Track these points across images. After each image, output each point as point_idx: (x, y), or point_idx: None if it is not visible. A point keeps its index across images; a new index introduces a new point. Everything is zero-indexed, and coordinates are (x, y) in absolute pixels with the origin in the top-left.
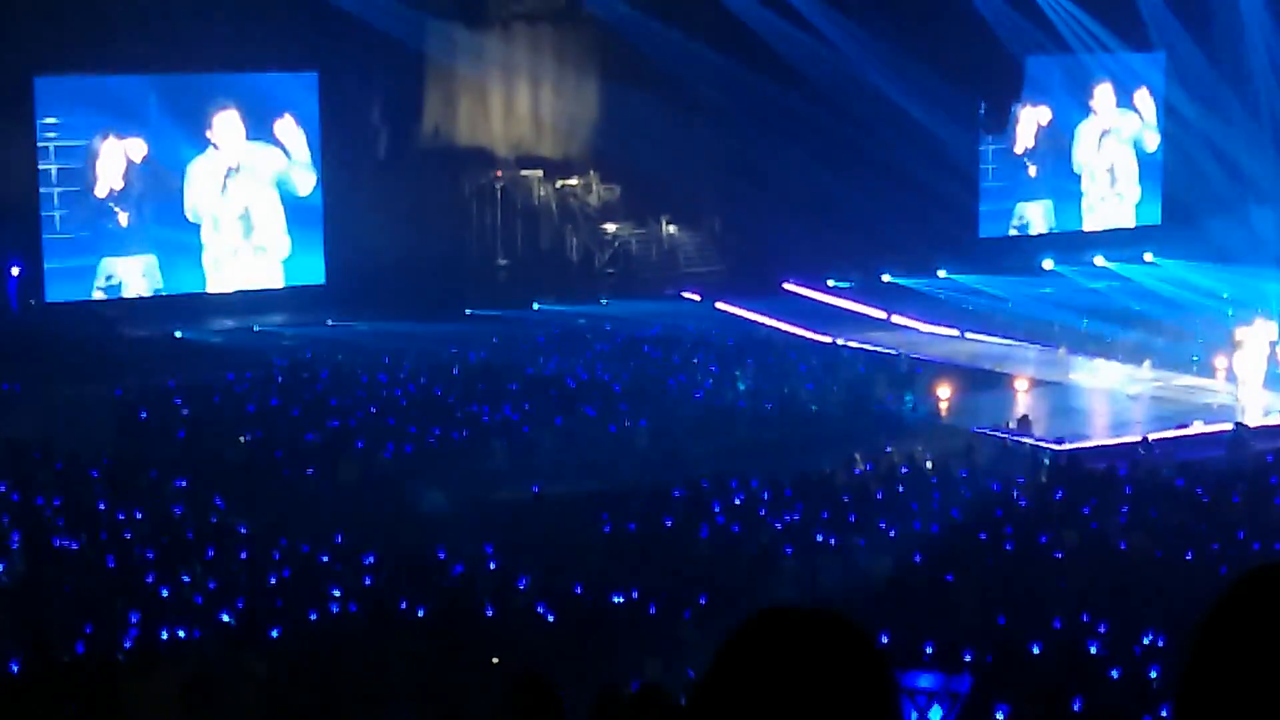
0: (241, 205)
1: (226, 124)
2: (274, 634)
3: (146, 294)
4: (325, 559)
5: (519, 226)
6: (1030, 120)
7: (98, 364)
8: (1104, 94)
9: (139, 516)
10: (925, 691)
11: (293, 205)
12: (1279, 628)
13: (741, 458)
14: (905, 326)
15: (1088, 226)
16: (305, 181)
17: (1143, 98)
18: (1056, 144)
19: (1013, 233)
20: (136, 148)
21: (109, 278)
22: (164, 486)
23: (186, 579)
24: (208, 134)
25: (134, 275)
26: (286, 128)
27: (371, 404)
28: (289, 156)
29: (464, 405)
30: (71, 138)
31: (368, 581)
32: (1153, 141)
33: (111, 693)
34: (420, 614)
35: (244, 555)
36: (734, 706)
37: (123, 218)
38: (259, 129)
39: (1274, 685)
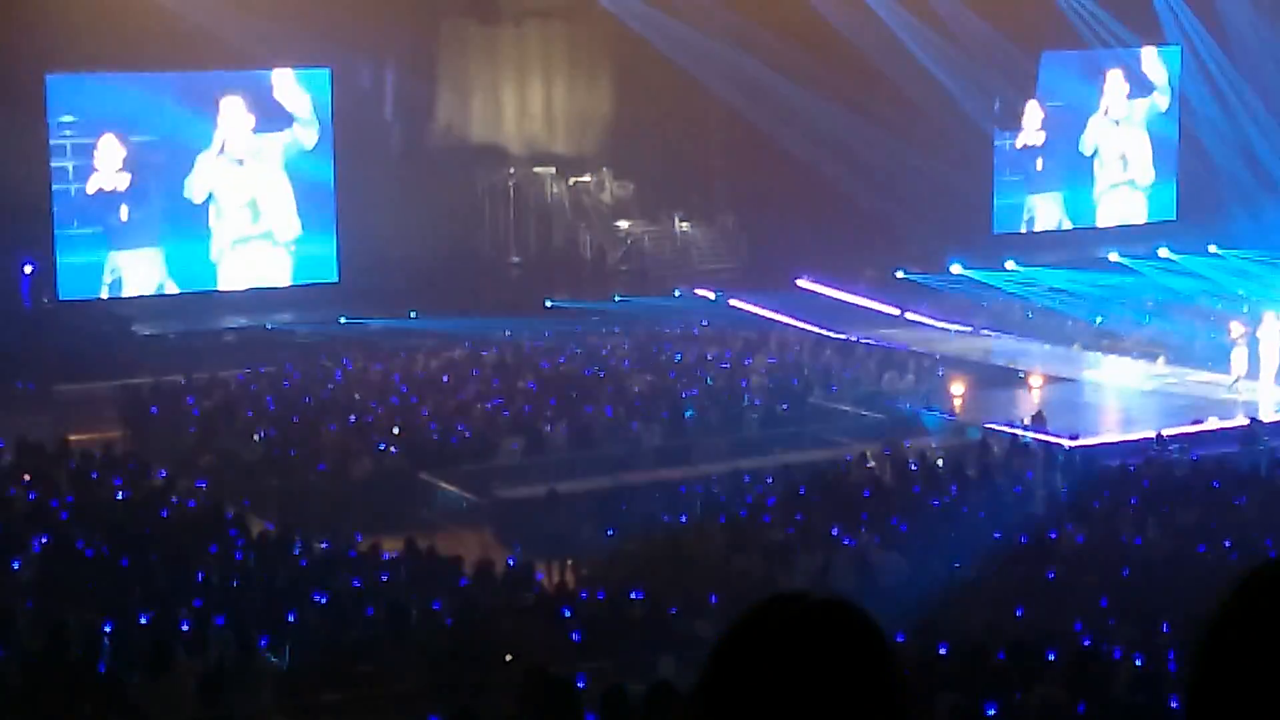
0: (251, 193)
1: (233, 109)
2: (289, 630)
3: (157, 290)
4: (340, 556)
5: (531, 224)
6: (1035, 115)
7: (110, 361)
8: (1115, 80)
9: (156, 514)
10: None
11: (306, 201)
12: None
13: (755, 453)
14: (919, 323)
15: (1101, 222)
16: (310, 136)
17: (1155, 72)
18: (1069, 138)
19: (1024, 229)
20: (148, 144)
21: (115, 272)
22: (177, 484)
23: (201, 576)
24: (217, 119)
25: (143, 271)
26: (285, 82)
27: (384, 401)
28: (293, 117)
29: (478, 402)
30: (83, 135)
31: (384, 578)
32: (1164, 102)
33: (127, 690)
34: (435, 610)
35: (259, 552)
36: (736, 691)
37: (134, 214)
38: (267, 123)
39: None
